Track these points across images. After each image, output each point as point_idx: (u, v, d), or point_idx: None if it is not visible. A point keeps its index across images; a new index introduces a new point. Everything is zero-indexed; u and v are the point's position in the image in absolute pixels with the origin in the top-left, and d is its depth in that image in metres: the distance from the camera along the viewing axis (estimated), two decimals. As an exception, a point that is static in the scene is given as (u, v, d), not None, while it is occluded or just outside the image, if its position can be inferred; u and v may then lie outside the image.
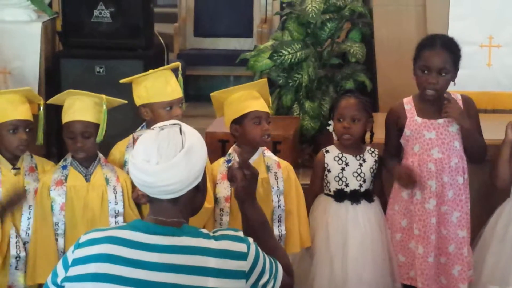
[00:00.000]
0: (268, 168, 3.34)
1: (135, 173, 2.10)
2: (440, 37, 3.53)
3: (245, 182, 2.31)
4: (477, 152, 3.53)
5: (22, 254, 3.22)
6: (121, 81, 3.40)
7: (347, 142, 3.52)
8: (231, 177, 2.33)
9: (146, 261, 2.05)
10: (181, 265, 2.05)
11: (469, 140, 3.47)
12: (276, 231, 3.30)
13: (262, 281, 2.14)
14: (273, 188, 3.33)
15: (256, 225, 2.31)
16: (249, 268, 2.10)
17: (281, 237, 3.32)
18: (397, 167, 3.50)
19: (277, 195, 3.33)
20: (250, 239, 2.15)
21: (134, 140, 2.12)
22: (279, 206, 3.33)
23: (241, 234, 2.15)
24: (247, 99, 3.28)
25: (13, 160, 3.29)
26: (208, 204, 3.14)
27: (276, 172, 3.35)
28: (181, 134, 2.10)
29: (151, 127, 2.15)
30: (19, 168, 3.28)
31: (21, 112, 3.24)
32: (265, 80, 3.45)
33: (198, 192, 2.15)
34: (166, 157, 2.06)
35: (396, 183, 3.55)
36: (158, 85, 3.28)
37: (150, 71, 3.35)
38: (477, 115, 3.55)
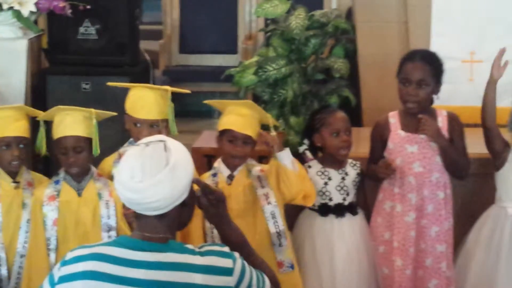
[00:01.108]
0: (250, 173, 3.36)
1: (120, 190, 2.10)
2: (421, 51, 3.58)
3: (212, 207, 2.30)
4: (457, 169, 3.53)
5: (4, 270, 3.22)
6: (109, 84, 3.49)
7: (345, 157, 3.55)
8: (199, 205, 2.30)
9: (132, 277, 2.05)
10: (167, 282, 2.04)
11: (446, 157, 3.48)
12: (272, 229, 3.30)
13: (249, 296, 2.13)
14: (257, 189, 3.33)
15: (234, 245, 2.27)
16: (236, 283, 2.10)
17: (280, 233, 3.31)
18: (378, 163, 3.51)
19: (264, 194, 3.32)
20: (236, 254, 2.15)
21: (120, 156, 2.10)
22: (269, 203, 3.32)
23: (227, 249, 2.15)
24: (231, 115, 3.31)
25: (13, 174, 3.29)
26: None
27: (259, 175, 3.35)
28: (165, 150, 2.08)
29: (136, 143, 2.15)
30: (18, 182, 3.28)
31: (14, 128, 3.24)
32: (249, 101, 3.47)
33: (185, 208, 2.15)
34: (150, 174, 2.05)
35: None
36: (132, 100, 3.34)
37: (146, 85, 3.43)
38: (462, 131, 3.56)
